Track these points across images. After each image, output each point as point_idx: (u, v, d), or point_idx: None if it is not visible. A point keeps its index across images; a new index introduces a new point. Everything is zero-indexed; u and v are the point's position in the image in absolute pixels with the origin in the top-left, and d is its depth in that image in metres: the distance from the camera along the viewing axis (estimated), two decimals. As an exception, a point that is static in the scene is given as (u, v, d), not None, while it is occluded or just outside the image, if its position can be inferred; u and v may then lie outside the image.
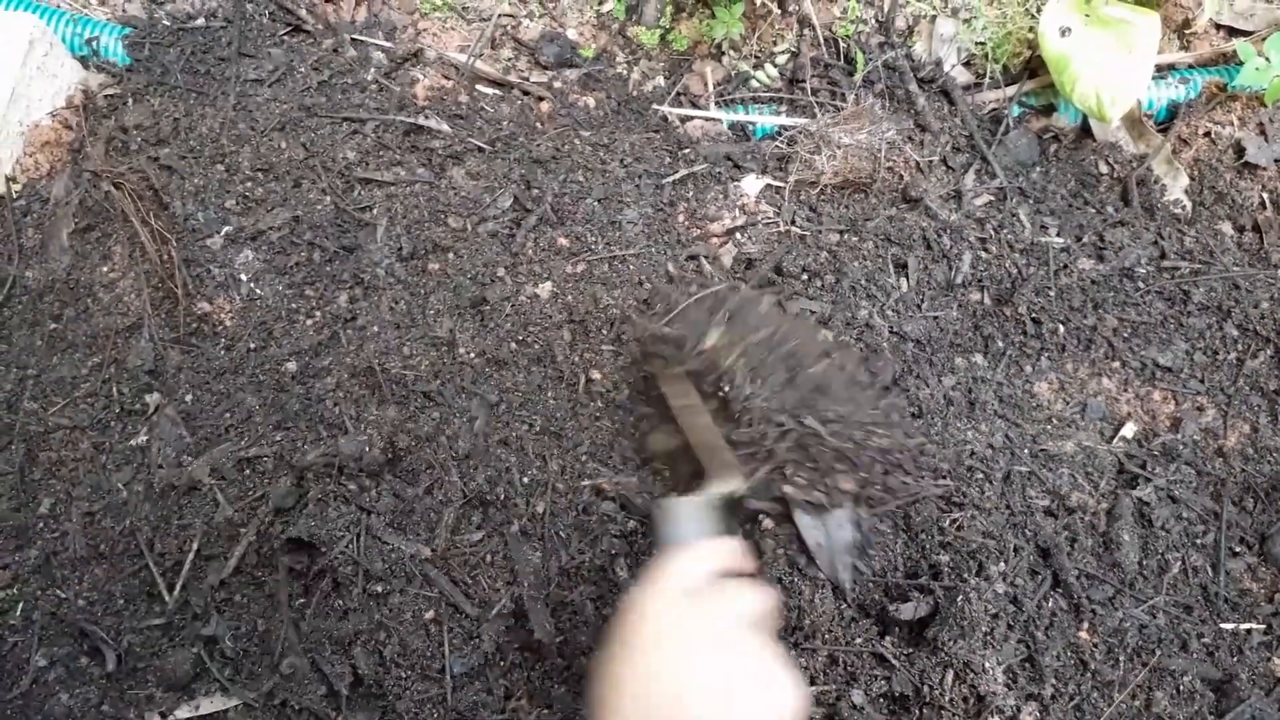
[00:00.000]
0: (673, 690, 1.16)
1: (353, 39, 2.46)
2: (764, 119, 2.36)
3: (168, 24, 2.45)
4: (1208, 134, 2.30)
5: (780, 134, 2.33)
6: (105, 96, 2.35)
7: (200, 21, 2.45)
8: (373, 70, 2.41)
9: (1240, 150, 2.26)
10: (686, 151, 2.29)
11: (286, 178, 2.20)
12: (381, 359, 1.98)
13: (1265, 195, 2.24)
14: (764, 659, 1.21)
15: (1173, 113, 2.36)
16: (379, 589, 1.79)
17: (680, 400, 1.75)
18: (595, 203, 2.18)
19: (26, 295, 2.10)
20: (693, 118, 2.37)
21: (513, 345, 2.02)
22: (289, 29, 2.46)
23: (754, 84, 2.43)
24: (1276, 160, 2.24)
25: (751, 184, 2.25)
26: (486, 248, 2.12)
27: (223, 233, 2.14)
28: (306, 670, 1.77)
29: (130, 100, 2.33)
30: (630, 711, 1.17)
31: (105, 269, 2.13)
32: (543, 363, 2.02)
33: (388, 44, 2.46)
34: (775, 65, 2.45)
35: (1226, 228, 2.21)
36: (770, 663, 1.20)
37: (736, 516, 1.69)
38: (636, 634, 1.26)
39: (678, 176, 2.24)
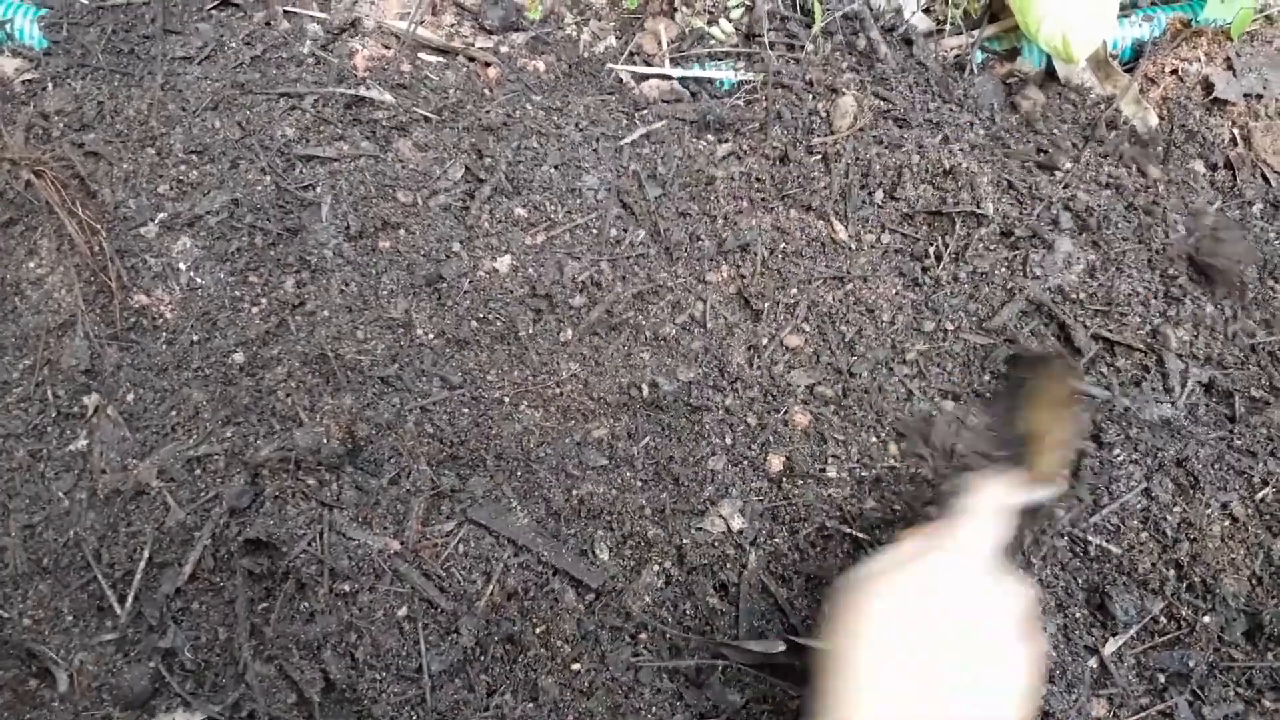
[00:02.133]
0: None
1: (285, 10, 2.32)
2: (722, 74, 2.27)
3: (86, 2, 2.29)
4: (1175, 71, 2.25)
5: (740, 89, 2.24)
6: (23, 82, 2.20)
7: (120, -2, 2.30)
8: (308, 42, 2.28)
9: (1209, 86, 2.21)
10: (644, 112, 2.19)
11: (222, 159, 2.07)
12: (334, 344, 1.87)
13: (1236, 131, 2.19)
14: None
15: (1138, 51, 2.30)
16: (346, 588, 1.69)
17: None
18: (552, 169, 2.07)
19: (-53, 297, 1.96)
20: (648, 77, 2.27)
21: (473, 323, 1.92)
22: (217, 2, 2.31)
23: (709, 40, 2.33)
24: (1246, 95, 2.20)
25: (714, 141, 2.15)
26: (439, 222, 2.02)
27: (157, 220, 2.00)
28: (274, 678, 1.67)
29: (50, 84, 2.18)
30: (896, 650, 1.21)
31: (32, 264, 1.99)
32: (506, 340, 1.92)
33: (322, 14, 2.33)
34: (730, 20, 2.35)
35: (1199, 166, 2.16)
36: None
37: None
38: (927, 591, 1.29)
39: (635, 137, 2.14)
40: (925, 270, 1.98)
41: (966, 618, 1.26)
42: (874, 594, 1.30)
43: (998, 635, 1.25)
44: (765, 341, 1.92)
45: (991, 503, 1.45)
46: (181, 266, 1.97)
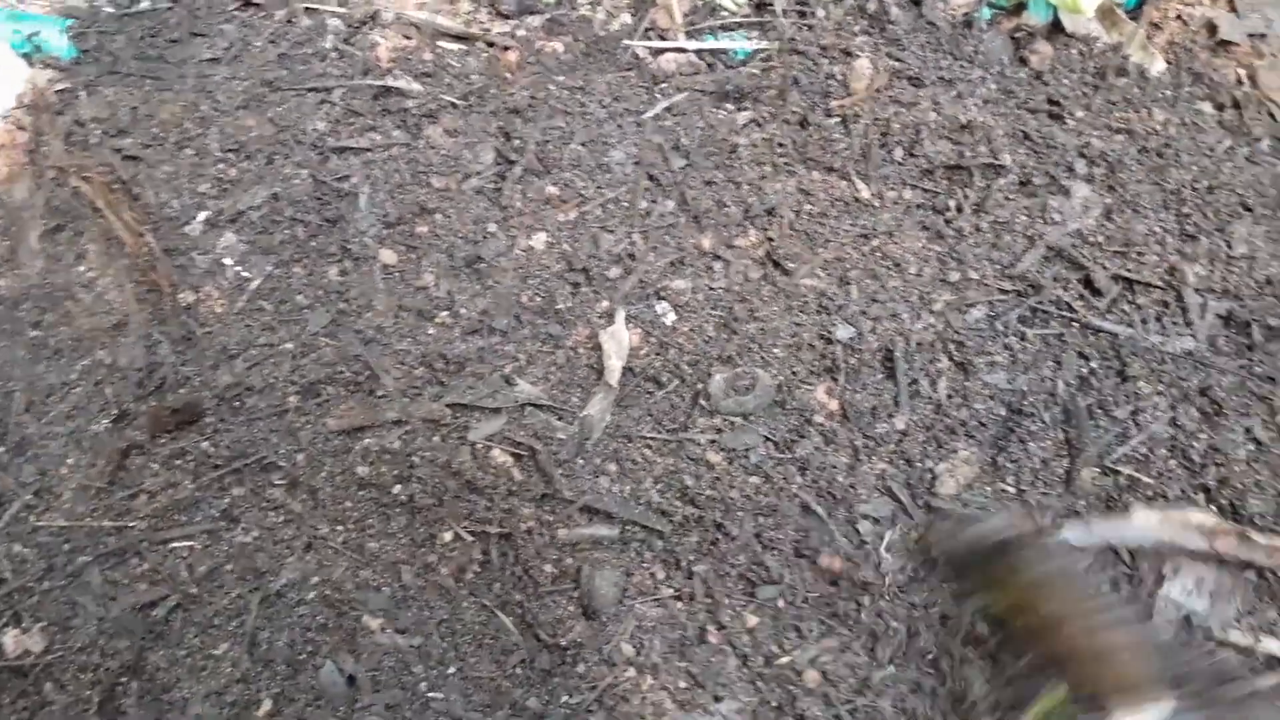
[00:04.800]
0: None
1: (305, 7, 2.38)
2: (736, 44, 2.32)
3: (111, 11, 2.36)
4: (1179, 16, 2.30)
5: (755, 58, 2.29)
6: (56, 92, 2.26)
7: (145, 4, 2.36)
8: (330, 37, 2.34)
9: (1213, 28, 2.27)
10: (663, 86, 2.25)
11: (259, 155, 2.14)
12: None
13: (1241, 71, 2.24)
14: None
15: (1141, -2, 2.35)
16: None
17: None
18: (579, 147, 2.13)
19: (1, 305, 2.02)
20: (664, 51, 2.33)
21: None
22: (239, 3, 2.38)
23: (721, 12, 2.39)
24: (1249, 35, 2.25)
25: (734, 110, 2.21)
26: (474, 204, 2.08)
27: (200, 218, 2.07)
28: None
29: (83, 93, 2.24)
30: None
31: (81, 268, 2.05)
32: (545, 315, 1.98)
33: (341, 9, 2.39)
34: (741, -10, 2.41)
35: (1206, 107, 2.21)
36: None
37: None
38: None
39: (657, 111, 2.20)
40: (948, 222, 2.04)
41: None
42: None
43: None
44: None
45: None
46: (228, 261, 2.03)
